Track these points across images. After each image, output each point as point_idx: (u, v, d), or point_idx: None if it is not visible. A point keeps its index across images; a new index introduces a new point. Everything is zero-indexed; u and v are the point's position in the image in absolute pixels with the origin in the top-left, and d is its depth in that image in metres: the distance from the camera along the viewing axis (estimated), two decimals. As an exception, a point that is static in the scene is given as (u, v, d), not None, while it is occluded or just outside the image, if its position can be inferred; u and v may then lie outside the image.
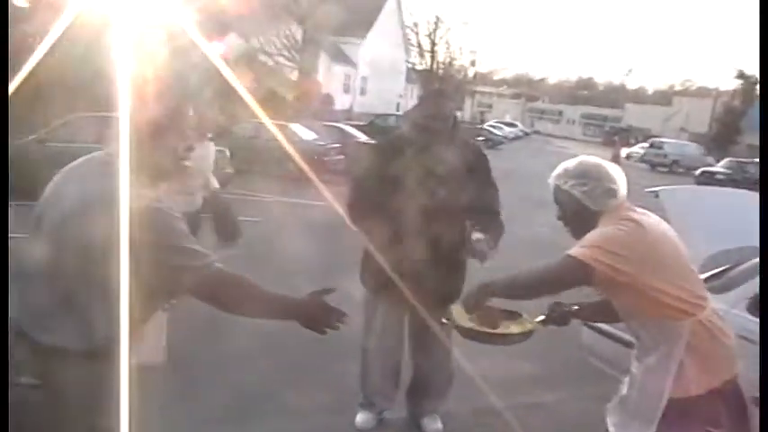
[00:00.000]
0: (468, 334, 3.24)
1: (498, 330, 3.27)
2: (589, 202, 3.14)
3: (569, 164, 3.25)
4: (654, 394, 3.06)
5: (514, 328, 3.32)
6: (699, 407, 3.06)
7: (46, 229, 2.45)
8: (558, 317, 3.52)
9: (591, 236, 3.03)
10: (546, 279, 3.06)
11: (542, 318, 3.48)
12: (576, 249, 2.98)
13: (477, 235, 4.23)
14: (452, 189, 4.34)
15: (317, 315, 2.50)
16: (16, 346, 2.43)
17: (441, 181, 4.32)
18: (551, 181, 3.26)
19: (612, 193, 3.14)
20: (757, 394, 3.88)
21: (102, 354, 2.36)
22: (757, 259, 4.52)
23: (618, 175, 3.19)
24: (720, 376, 3.08)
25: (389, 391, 4.94)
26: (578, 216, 3.19)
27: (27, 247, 2.54)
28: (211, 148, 6.24)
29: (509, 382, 5.68)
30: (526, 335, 3.30)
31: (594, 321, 4.58)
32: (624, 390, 3.26)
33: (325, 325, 2.51)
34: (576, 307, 3.58)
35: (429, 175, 4.29)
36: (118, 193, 2.29)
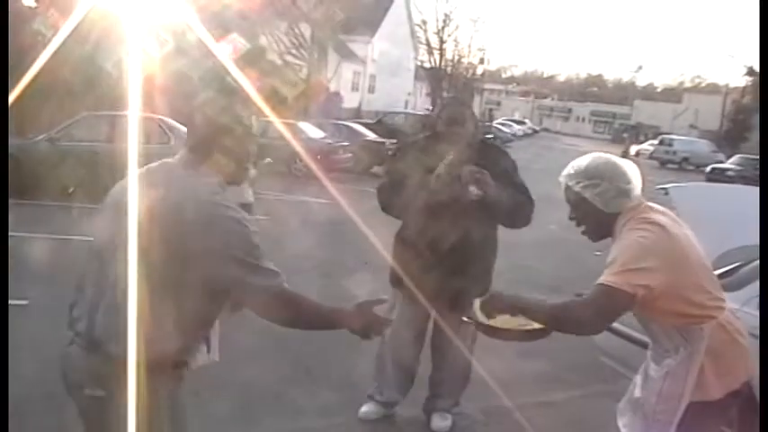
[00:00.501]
0: (489, 331, 3.21)
1: (519, 327, 3.23)
2: (602, 205, 3.02)
3: (580, 162, 3.10)
4: (673, 398, 2.96)
5: (535, 324, 3.27)
6: (717, 410, 2.99)
7: (121, 236, 2.39)
8: None
9: (617, 254, 2.87)
10: (585, 314, 2.85)
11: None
12: (609, 277, 2.80)
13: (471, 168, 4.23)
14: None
15: (366, 324, 2.58)
16: (87, 358, 2.45)
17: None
18: (562, 180, 3.12)
19: (627, 193, 3.00)
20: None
21: (174, 364, 2.50)
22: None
23: (633, 173, 3.05)
24: (739, 378, 3.00)
25: (402, 383, 4.97)
26: (591, 218, 3.07)
27: (98, 255, 2.53)
28: None
29: (520, 381, 5.67)
30: (546, 331, 3.24)
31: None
32: (638, 392, 3.16)
33: (374, 333, 2.63)
34: None
35: (455, 177, 4.38)
36: (190, 203, 2.40)
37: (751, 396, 3.24)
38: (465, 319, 3.30)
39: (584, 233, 3.16)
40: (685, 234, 3.03)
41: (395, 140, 21.34)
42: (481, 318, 3.18)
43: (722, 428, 3.19)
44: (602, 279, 2.82)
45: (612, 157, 3.13)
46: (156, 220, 2.36)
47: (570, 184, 3.08)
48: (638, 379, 3.22)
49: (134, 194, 2.43)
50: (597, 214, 3.04)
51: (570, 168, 3.11)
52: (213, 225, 2.38)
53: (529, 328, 3.17)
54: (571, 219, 3.17)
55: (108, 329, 2.40)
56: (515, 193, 4.53)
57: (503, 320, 3.16)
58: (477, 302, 3.22)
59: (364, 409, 5.01)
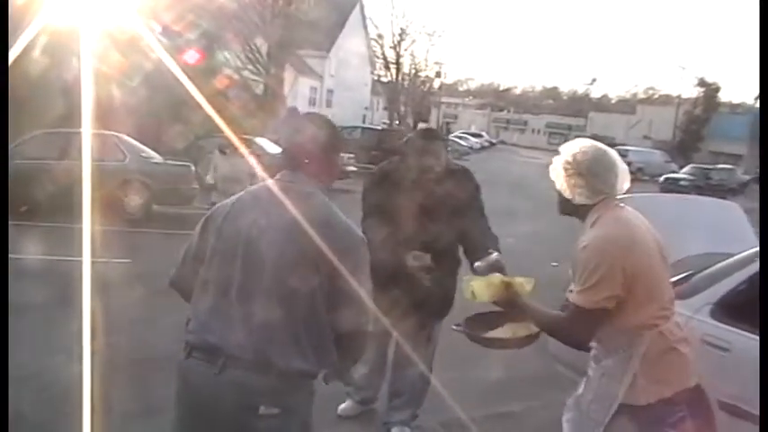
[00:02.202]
0: (483, 342, 3.30)
1: (511, 336, 3.34)
2: (570, 196, 3.13)
3: (573, 148, 3.17)
4: (606, 398, 3.05)
5: (521, 332, 3.35)
6: (643, 415, 3.03)
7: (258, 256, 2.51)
8: None
9: (583, 264, 2.96)
10: (572, 331, 3.06)
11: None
12: (578, 297, 2.96)
13: (494, 254, 4.20)
14: (446, 215, 4.53)
15: None
16: (262, 376, 2.45)
17: (436, 208, 4.53)
18: (554, 160, 3.21)
19: (600, 191, 3.09)
20: (723, 398, 3.94)
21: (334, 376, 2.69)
22: (720, 265, 4.60)
23: (620, 169, 3.13)
24: (672, 387, 3.04)
25: (373, 381, 5.14)
26: (561, 198, 3.18)
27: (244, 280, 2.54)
28: None
29: (478, 392, 5.69)
30: (536, 337, 3.33)
31: None
32: (580, 389, 3.25)
33: None
34: None
35: (425, 203, 4.52)
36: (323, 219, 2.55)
37: (701, 401, 3.28)
38: (455, 327, 3.37)
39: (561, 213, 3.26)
40: (654, 239, 3.11)
41: (352, 155, 21.39)
42: (474, 329, 3.27)
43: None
44: (573, 298, 2.97)
45: (604, 153, 3.15)
46: (296, 238, 2.47)
47: (556, 165, 3.17)
48: (585, 379, 3.29)
49: (265, 213, 2.55)
50: (567, 202, 3.15)
51: (563, 151, 3.20)
52: (346, 238, 2.57)
53: (520, 336, 3.28)
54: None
55: (274, 347, 2.44)
56: (483, 222, 4.69)
57: (494, 331, 3.27)
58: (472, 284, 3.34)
59: (342, 406, 5.21)
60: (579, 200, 3.10)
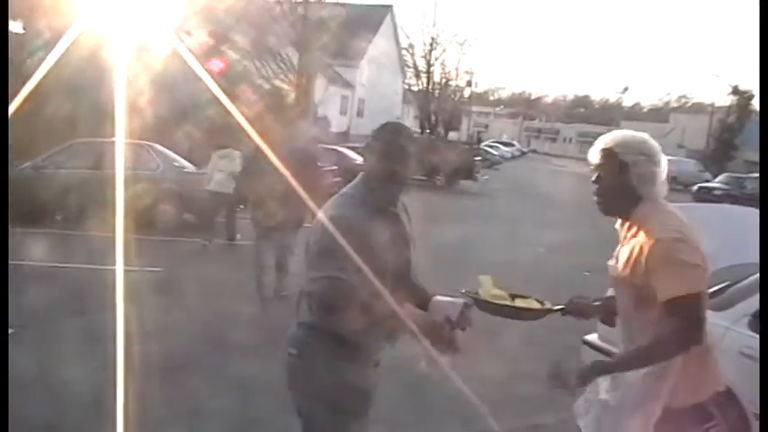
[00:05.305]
0: (488, 308, 3.20)
1: (519, 304, 3.24)
2: (637, 184, 2.96)
3: (634, 134, 3.05)
4: (650, 401, 2.93)
5: (534, 305, 3.28)
6: (682, 418, 2.97)
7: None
8: (575, 308, 3.29)
9: (664, 265, 2.80)
10: (678, 335, 2.78)
11: (561, 307, 3.28)
12: (676, 287, 2.76)
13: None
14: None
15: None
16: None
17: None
18: (604, 143, 3.04)
19: (658, 183, 3.01)
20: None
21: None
22: (756, 275, 4.52)
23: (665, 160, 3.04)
24: (707, 390, 3.00)
25: None
26: (618, 192, 3.00)
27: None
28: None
29: (510, 403, 5.65)
30: (544, 312, 3.25)
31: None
32: (605, 394, 3.10)
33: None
34: (598, 302, 3.36)
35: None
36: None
37: (735, 405, 3.20)
38: (463, 292, 3.26)
39: (598, 203, 3.07)
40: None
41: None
42: (484, 295, 3.20)
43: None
44: (670, 293, 2.77)
45: (657, 144, 3.06)
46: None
47: (617, 150, 2.99)
48: (602, 381, 3.14)
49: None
50: (627, 190, 2.98)
51: (619, 137, 3.04)
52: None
53: (528, 306, 3.24)
54: (594, 182, 3.08)
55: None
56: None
57: (500, 299, 3.21)
58: (483, 278, 3.27)
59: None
60: (642, 193, 2.98)
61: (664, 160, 3.04)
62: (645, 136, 3.07)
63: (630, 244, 2.97)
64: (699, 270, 2.82)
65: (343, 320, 2.93)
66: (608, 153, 3.01)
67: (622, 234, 3.08)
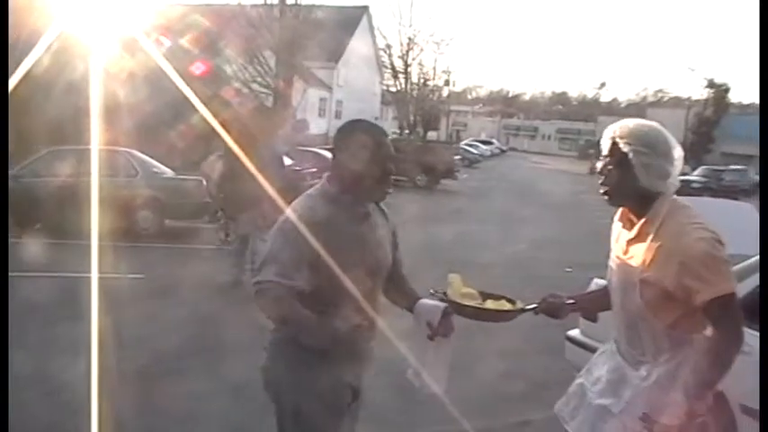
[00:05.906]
0: (460, 310, 3.10)
1: (490, 306, 3.15)
2: (643, 178, 2.83)
3: (638, 125, 2.92)
4: (663, 404, 2.78)
5: (506, 305, 3.19)
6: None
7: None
8: (549, 307, 3.18)
9: (706, 264, 2.69)
10: (729, 337, 2.70)
11: (534, 306, 3.18)
12: (714, 288, 2.66)
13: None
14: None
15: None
16: None
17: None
18: (611, 133, 2.93)
19: (670, 176, 2.88)
20: (746, 403, 3.89)
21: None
22: (736, 267, 4.54)
23: (679, 160, 2.92)
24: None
25: None
26: (624, 184, 2.88)
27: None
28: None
29: (497, 401, 5.66)
30: (516, 312, 3.15)
31: (592, 312, 4.39)
32: (600, 399, 3.02)
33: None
34: (572, 300, 3.24)
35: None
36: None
37: (723, 404, 3.19)
38: (432, 292, 3.18)
39: (605, 193, 2.96)
40: None
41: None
42: (453, 297, 3.12)
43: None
44: (709, 294, 2.67)
45: (669, 136, 2.94)
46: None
47: (620, 142, 2.88)
48: (592, 384, 3.11)
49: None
50: (633, 183, 2.86)
51: (625, 126, 2.92)
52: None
53: (499, 308, 3.15)
54: (600, 173, 2.98)
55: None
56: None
57: (469, 298, 3.14)
58: (453, 276, 3.20)
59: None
60: (653, 184, 2.86)
61: (676, 152, 2.91)
62: (653, 125, 2.94)
63: (651, 242, 2.82)
64: (731, 266, 2.75)
65: (291, 326, 2.89)
66: (611, 142, 2.92)
67: (635, 231, 2.92)
